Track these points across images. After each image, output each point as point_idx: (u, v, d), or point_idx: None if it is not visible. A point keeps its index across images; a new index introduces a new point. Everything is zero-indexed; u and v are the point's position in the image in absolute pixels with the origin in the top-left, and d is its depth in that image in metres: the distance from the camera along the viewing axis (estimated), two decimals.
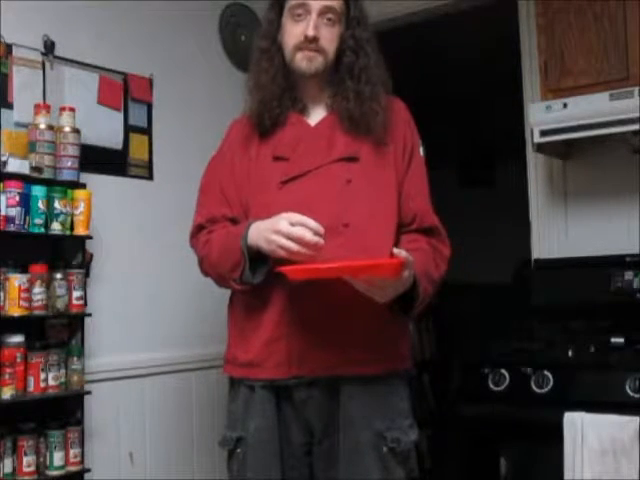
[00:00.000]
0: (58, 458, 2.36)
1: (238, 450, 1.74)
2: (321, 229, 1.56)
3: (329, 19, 1.74)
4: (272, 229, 1.58)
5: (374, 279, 1.54)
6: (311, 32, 1.72)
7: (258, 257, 1.65)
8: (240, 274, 1.67)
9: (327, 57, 1.76)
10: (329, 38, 1.75)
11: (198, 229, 1.82)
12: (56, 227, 2.40)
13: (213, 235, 1.77)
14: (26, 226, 2.33)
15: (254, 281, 1.66)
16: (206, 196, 1.85)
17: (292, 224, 1.56)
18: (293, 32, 1.75)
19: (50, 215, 2.39)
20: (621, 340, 2.38)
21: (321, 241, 1.55)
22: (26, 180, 2.34)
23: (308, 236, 1.54)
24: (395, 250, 1.52)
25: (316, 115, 1.81)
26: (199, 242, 1.80)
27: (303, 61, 1.75)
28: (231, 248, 1.68)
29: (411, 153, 1.80)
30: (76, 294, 2.44)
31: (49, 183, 2.40)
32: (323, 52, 1.75)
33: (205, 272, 1.82)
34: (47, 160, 2.40)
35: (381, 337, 1.70)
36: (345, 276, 1.56)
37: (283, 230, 1.56)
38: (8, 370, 2.24)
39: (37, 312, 2.33)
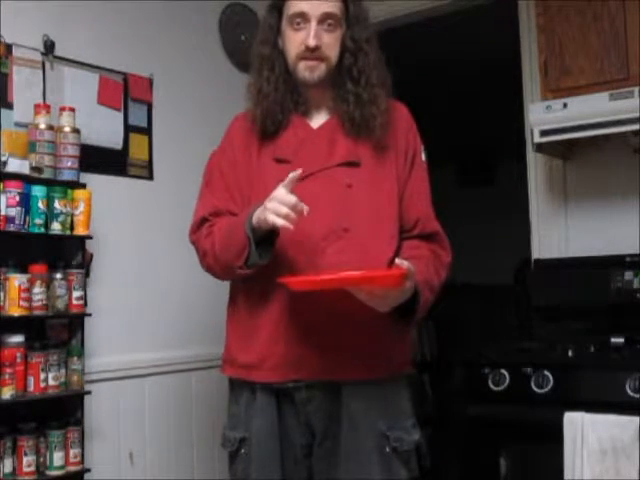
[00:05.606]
0: (58, 458, 2.35)
1: (242, 450, 1.73)
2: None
3: (329, 24, 1.73)
4: (269, 198, 1.58)
5: (376, 289, 1.54)
6: (312, 42, 1.71)
7: (263, 240, 1.63)
8: (245, 259, 1.63)
9: (330, 63, 1.75)
10: (331, 44, 1.74)
11: (201, 222, 1.79)
12: (56, 227, 2.40)
13: (215, 228, 1.74)
14: (26, 226, 2.33)
15: (261, 261, 1.62)
16: (210, 189, 1.83)
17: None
18: (294, 41, 1.74)
19: (50, 215, 2.39)
20: (621, 340, 2.38)
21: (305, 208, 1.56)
22: (26, 180, 2.34)
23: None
24: (397, 260, 1.52)
25: (319, 118, 1.81)
26: (201, 236, 1.77)
27: (306, 71, 1.74)
28: (235, 233, 1.65)
29: (413, 158, 1.80)
30: (76, 294, 2.44)
31: (49, 183, 2.40)
32: (325, 59, 1.74)
33: (207, 266, 1.78)
34: (47, 160, 2.40)
35: (381, 342, 1.70)
36: (346, 287, 1.55)
37: (278, 196, 1.56)
38: (8, 370, 2.24)
39: (37, 312, 2.33)
